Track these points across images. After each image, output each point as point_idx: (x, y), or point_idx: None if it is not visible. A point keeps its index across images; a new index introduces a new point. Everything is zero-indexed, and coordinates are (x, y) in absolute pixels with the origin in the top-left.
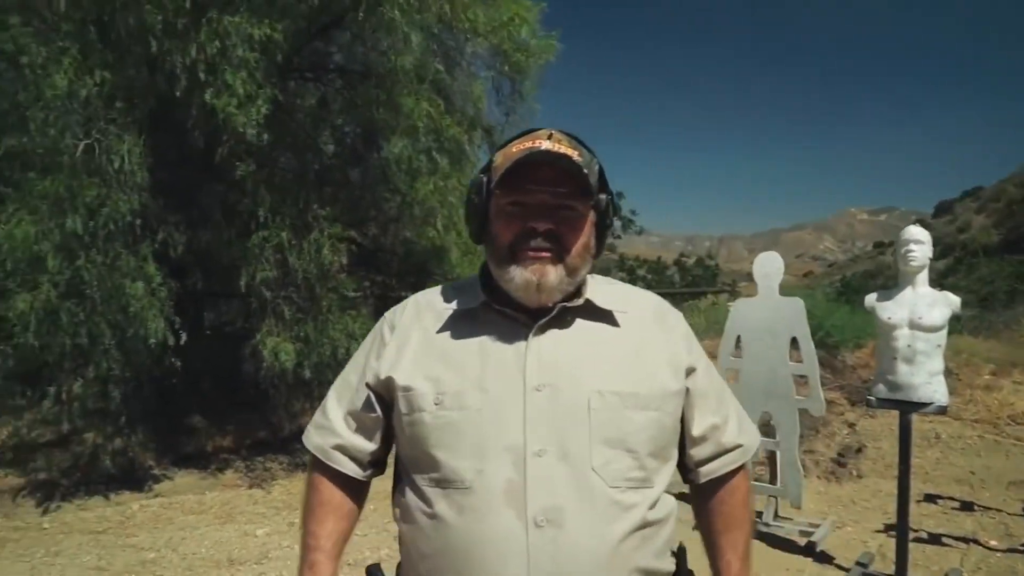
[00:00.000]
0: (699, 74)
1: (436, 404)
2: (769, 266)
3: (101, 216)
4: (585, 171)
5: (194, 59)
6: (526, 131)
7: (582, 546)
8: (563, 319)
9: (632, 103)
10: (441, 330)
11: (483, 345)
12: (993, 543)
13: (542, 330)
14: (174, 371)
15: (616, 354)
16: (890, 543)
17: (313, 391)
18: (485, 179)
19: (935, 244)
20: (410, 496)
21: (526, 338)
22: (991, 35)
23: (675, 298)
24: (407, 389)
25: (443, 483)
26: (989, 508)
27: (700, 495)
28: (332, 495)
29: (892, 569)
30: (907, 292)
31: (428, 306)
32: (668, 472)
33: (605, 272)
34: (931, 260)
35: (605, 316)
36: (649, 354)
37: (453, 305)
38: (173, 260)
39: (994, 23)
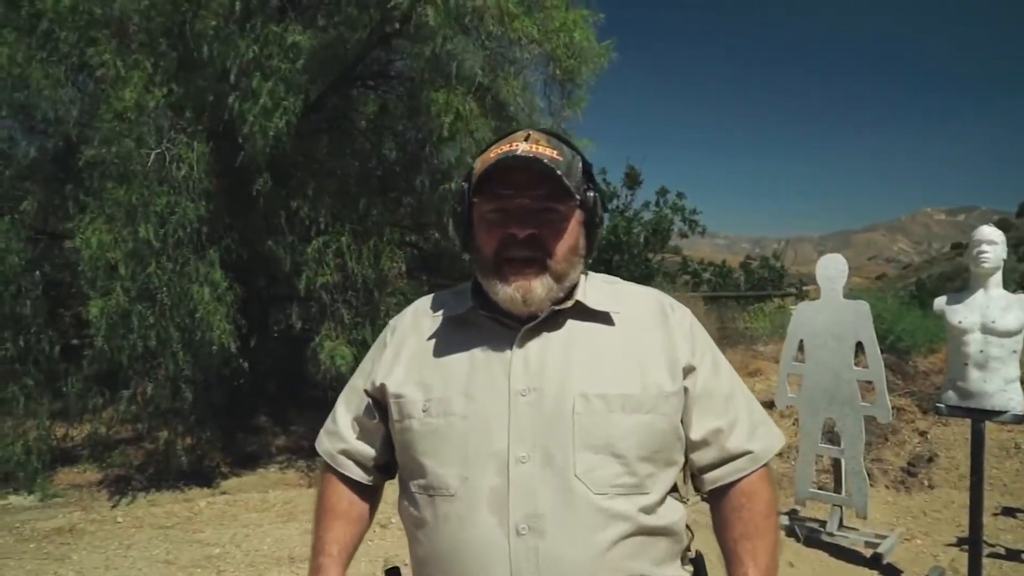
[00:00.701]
0: (768, 74)
1: (424, 411)
2: (832, 268)
3: (171, 223)
4: (559, 172)
5: (240, 64)
6: (506, 134)
7: (565, 555)
8: (554, 322)
9: (696, 104)
10: (432, 336)
11: (472, 351)
12: None
13: (531, 334)
14: (241, 372)
15: (607, 355)
16: (962, 557)
17: None
18: (466, 187)
19: (1018, 245)
20: (404, 502)
21: (513, 343)
22: None
23: (740, 301)
24: (398, 396)
25: (430, 490)
26: None
27: (713, 502)
28: (340, 500)
29: None
30: (979, 295)
31: (424, 312)
32: (669, 477)
33: (671, 276)
34: (1010, 262)
35: (599, 317)
36: (643, 354)
37: (447, 311)
38: (238, 265)
39: None
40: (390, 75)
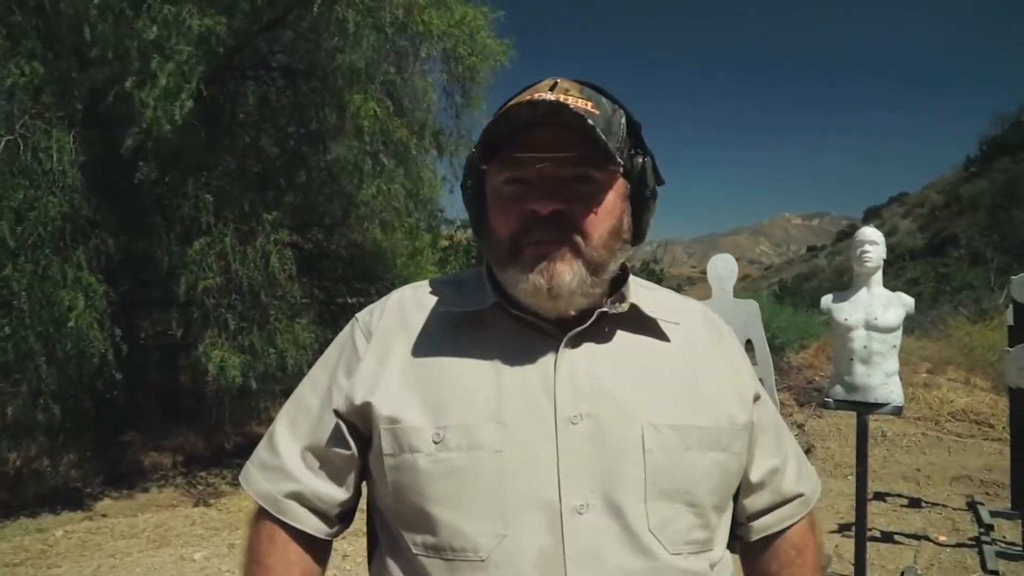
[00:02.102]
0: (639, 80)
1: (436, 443)
2: (723, 268)
3: (29, 221)
4: (594, 125)
5: (127, 48)
6: (528, 86)
7: None
8: (600, 329)
9: None
10: (433, 339)
11: (497, 362)
12: (942, 539)
13: (574, 342)
14: (113, 384)
15: (668, 376)
16: (845, 543)
17: (259, 403)
18: (475, 153)
19: None
20: (393, 567)
21: (554, 353)
22: (911, 49)
23: None
24: (393, 421)
25: (445, 552)
26: (936, 504)
27: (754, 555)
28: (284, 559)
29: (850, 570)
30: (862, 293)
31: (417, 306)
32: (727, 529)
33: None
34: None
35: (651, 327)
36: (710, 377)
37: (453, 306)
38: (109, 267)
39: (916, 37)
40: (271, 66)
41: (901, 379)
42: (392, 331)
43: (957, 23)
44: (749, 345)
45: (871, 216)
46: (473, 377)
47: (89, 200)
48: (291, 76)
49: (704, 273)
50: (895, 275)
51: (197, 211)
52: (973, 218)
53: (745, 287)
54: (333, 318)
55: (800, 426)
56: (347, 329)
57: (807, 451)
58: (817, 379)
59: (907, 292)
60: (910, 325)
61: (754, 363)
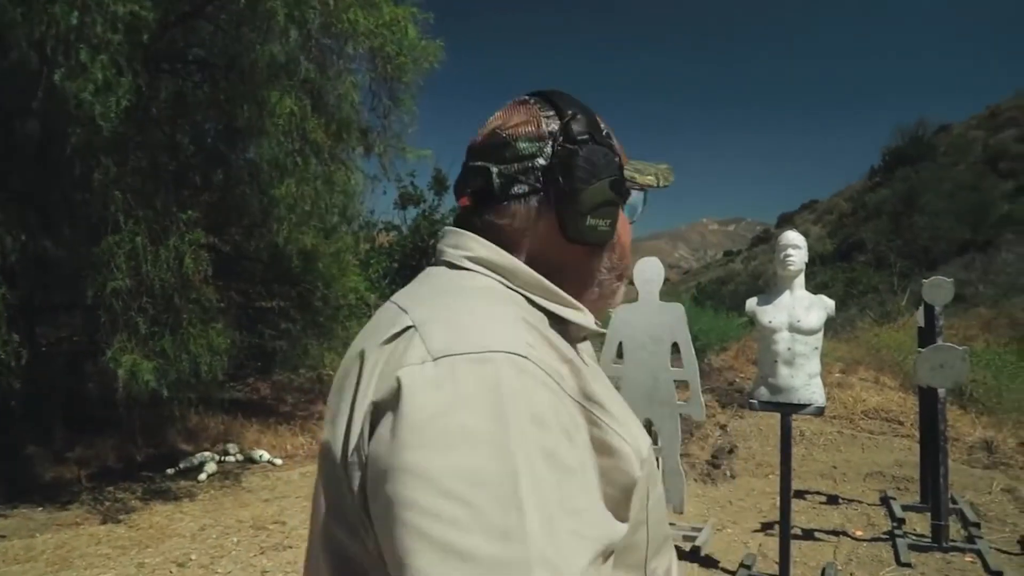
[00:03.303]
0: (558, 82)
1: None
2: (650, 271)
3: None
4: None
5: (43, 34)
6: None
7: None
8: None
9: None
10: (584, 370)
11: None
12: (859, 533)
13: None
14: (11, 393)
15: None
16: (768, 542)
17: (172, 411)
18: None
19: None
20: None
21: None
22: (822, 60)
23: None
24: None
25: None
26: (852, 500)
27: None
28: None
29: (774, 568)
30: (785, 296)
31: (544, 341)
32: None
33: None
34: (772, 267)
35: None
36: None
37: (554, 337)
38: (2, 268)
39: (826, 51)
40: (188, 60)
41: None
42: (577, 369)
43: (862, 39)
44: (675, 348)
45: (784, 222)
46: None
47: None
48: (209, 70)
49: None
50: (807, 279)
51: (105, 208)
52: (878, 224)
53: (665, 291)
54: (251, 322)
55: (723, 427)
56: (534, 383)
57: (729, 451)
58: (738, 380)
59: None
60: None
61: (679, 365)
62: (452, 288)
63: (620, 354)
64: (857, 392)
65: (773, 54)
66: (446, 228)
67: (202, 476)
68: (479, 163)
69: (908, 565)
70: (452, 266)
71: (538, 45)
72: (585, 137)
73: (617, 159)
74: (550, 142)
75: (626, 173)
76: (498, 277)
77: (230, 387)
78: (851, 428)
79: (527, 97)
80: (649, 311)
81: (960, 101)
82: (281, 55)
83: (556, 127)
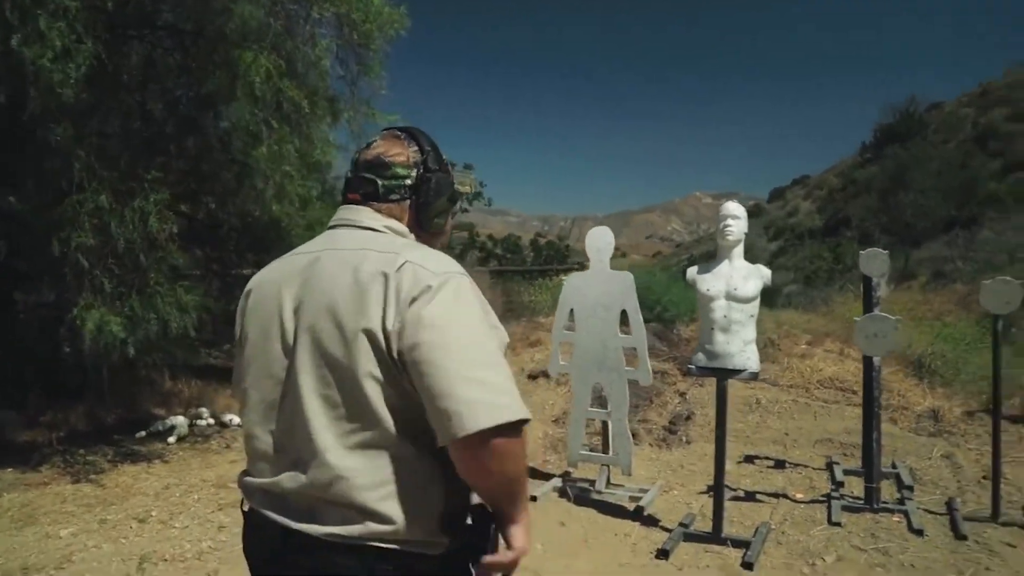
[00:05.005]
0: (555, 60)
1: None
2: (600, 241)
3: None
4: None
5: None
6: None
7: None
8: None
9: (490, 84)
10: None
11: None
12: (799, 496)
13: None
14: None
15: None
16: (711, 503)
17: (142, 373)
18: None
19: (768, 227)
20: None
21: None
22: (820, 35)
23: (526, 275)
24: None
25: None
26: (798, 464)
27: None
28: None
29: (710, 527)
30: (724, 265)
31: None
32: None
33: (458, 251)
34: (761, 243)
35: None
36: None
37: None
38: None
39: (824, 25)
40: (157, 25)
41: (779, 350)
42: None
43: (861, 13)
44: (624, 315)
45: (775, 197)
46: None
47: None
48: (179, 36)
49: (617, 249)
50: (795, 254)
51: (68, 169)
52: (866, 201)
53: (658, 263)
54: (228, 289)
55: (683, 394)
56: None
57: (687, 418)
58: None
59: (806, 270)
60: (803, 301)
61: (627, 332)
62: (400, 240)
63: (573, 320)
64: (815, 362)
65: (769, 24)
66: (349, 205)
67: (172, 439)
68: (368, 175)
69: (838, 524)
70: (367, 228)
71: (515, 10)
72: (435, 168)
73: (451, 179)
74: (415, 170)
75: (456, 185)
76: (402, 234)
77: (206, 354)
78: (806, 397)
79: (399, 133)
80: (599, 279)
81: (955, 78)
82: (252, 19)
83: (419, 159)
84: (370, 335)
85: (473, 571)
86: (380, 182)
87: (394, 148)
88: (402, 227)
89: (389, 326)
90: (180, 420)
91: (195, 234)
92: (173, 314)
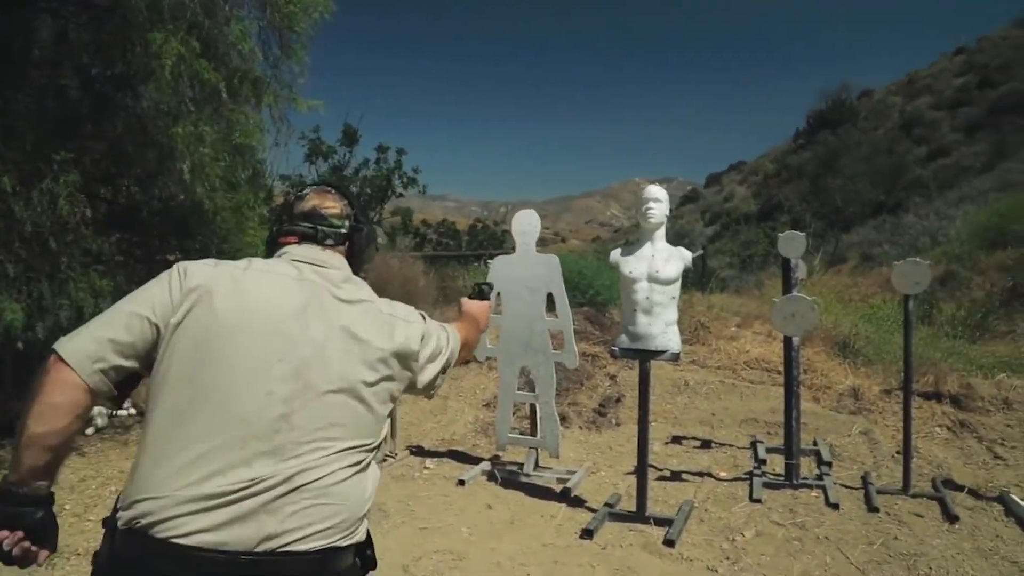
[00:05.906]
0: (491, 44)
1: None
2: (526, 224)
3: None
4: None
5: None
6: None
7: None
8: None
9: (423, 70)
10: None
11: None
12: (723, 474)
13: None
14: None
15: None
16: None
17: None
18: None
19: (705, 212)
20: None
21: None
22: (757, 20)
23: (462, 260)
24: None
25: None
26: (724, 444)
27: None
28: None
29: (635, 506)
30: (646, 248)
31: None
32: None
33: (391, 236)
34: (697, 227)
35: None
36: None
37: None
38: None
39: (760, 8)
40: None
41: (709, 332)
42: None
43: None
44: (551, 298)
45: (712, 182)
46: None
47: None
48: (92, 11)
49: (557, 234)
50: (731, 238)
51: None
52: (798, 186)
53: (596, 248)
54: (151, 274)
55: (613, 377)
56: None
57: (616, 400)
58: None
59: (741, 254)
60: (738, 284)
61: (554, 315)
62: (361, 282)
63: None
64: (743, 344)
65: (707, 8)
66: (300, 246)
67: (90, 430)
68: (306, 224)
69: (759, 501)
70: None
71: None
72: (363, 221)
73: (374, 230)
74: (347, 221)
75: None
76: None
77: None
78: (733, 378)
79: (330, 189)
80: (525, 263)
81: (887, 65)
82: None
83: (349, 212)
84: (373, 347)
85: None
86: (319, 227)
87: (327, 202)
88: (346, 265)
89: (406, 341)
90: (98, 411)
91: (115, 218)
92: (87, 300)
